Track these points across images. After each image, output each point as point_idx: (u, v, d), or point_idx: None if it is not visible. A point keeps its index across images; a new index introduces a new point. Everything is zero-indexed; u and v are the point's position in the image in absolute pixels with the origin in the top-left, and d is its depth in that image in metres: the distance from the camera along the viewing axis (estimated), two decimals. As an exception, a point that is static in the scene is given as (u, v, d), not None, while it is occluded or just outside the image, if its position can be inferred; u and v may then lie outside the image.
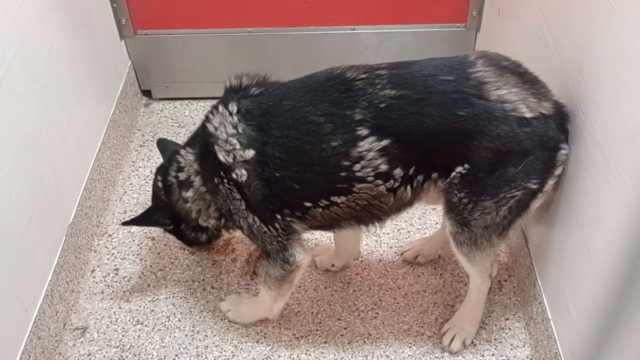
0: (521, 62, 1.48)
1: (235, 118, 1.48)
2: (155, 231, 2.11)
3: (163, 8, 2.42)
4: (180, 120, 2.59)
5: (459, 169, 1.43)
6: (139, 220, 1.83)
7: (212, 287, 1.96)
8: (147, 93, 2.69)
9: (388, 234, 2.09)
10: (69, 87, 1.99)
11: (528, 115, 1.38)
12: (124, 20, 2.43)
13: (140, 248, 2.08)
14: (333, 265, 1.97)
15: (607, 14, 1.31)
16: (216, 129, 1.49)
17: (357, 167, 1.43)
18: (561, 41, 1.59)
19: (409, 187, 1.47)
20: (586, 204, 1.43)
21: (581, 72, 1.45)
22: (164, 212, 1.75)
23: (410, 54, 2.51)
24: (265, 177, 1.47)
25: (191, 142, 1.68)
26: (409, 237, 2.09)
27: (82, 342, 1.82)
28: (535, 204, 1.51)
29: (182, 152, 1.67)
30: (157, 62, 2.57)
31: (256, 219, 1.54)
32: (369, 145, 1.41)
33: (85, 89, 2.12)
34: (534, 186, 1.45)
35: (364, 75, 1.43)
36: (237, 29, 2.47)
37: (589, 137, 1.39)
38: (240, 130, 1.47)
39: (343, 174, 1.45)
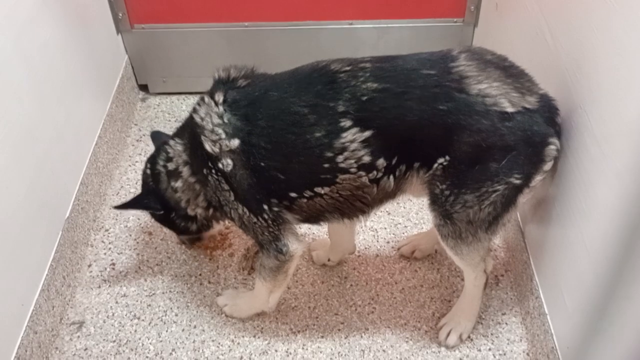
0: (507, 56, 1.48)
1: (221, 108, 1.49)
2: (152, 226, 2.11)
3: (160, 2, 2.42)
4: (177, 114, 2.58)
5: (441, 160, 1.43)
6: (131, 204, 1.84)
7: (209, 282, 1.96)
8: (144, 87, 2.68)
9: (385, 228, 2.10)
10: (66, 82, 1.99)
11: (509, 109, 1.37)
12: (120, 15, 2.42)
13: (137, 242, 2.08)
14: (329, 260, 1.98)
15: (605, 8, 1.31)
16: (202, 119, 1.50)
17: (340, 158, 1.44)
18: (559, 36, 1.59)
19: (391, 177, 1.48)
20: (583, 199, 1.43)
21: (579, 67, 1.45)
22: (154, 197, 1.76)
23: (407, 49, 2.47)
24: (250, 167, 1.48)
25: (180, 133, 1.69)
26: (405, 232, 2.09)
27: (78, 336, 1.82)
28: (522, 199, 1.49)
29: (171, 142, 1.68)
30: (154, 56, 2.56)
31: (245, 209, 1.55)
32: (352, 137, 1.42)
33: (82, 84, 2.11)
34: (517, 181, 1.43)
35: (347, 68, 1.44)
36: (234, 23, 2.46)
37: (587, 132, 1.39)
38: (225, 120, 1.48)
39: (326, 164, 1.45)
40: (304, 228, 2.06)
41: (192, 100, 2.62)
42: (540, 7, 1.73)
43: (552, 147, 1.44)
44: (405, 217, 2.13)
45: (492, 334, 1.80)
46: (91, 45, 2.22)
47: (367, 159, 1.44)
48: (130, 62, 2.57)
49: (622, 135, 1.25)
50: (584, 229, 1.43)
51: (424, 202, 2.15)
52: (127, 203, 1.84)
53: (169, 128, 2.50)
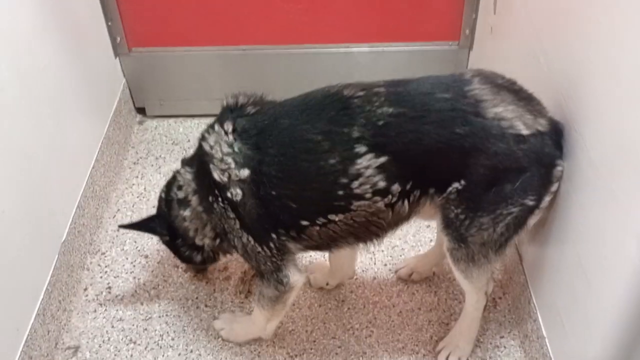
0: (515, 79, 1.49)
1: (231, 137, 1.49)
2: (149, 249, 2.10)
3: (158, 25, 2.43)
4: (175, 137, 2.58)
5: (456, 184, 1.44)
6: (137, 226, 1.83)
7: (206, 306, 1.95)
8: (141, 110, 2.69)
9: (382, 251, 2.09)
10: (64, 105, 1.99)
11: (524, 132, 1.39)
12: (118, 39, 2.43)
13: (134, 266, 2.07)
14: (327, 284, 1.96)
15: (598, 31, 1.32)
16: (212, 147, 1.50)
17: (355, 184, 1.43)
18: (553, 58, 1.60)
19: (406, 202, 1.47)
20: (580, 222, 1.43)
21: (573, 89, 1.46)
22: (162, 221, 1.75)
23: (403, 72, 2.49)
24: (260, 196, 1.47)
25: (189, 161, 1.68)
26: (403, 254, 2.08)
27: (73, 361, 1.80)
28: (532, 220, 1.50)
29: (181, 170, 1.68)
30: (151, 79, 2.57)
31: (250, 238, 1.53)
32: (367, 163, 1.41)
33: (79, 107, 2.12)
34: (531, 202, 1.45)
35: (361, 93, 1.44)
36: (232, 46, 2.48)
37: (582, 154, 1.40)
38: (235, 149, 1.47)
39: (341, 191, 1.44)
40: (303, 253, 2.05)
41: (190, 123, 2.64)
42: (535, 30, 1.75)
43: (559, 168, 1.46)
44: (402, 240, 2.13)
45: (490, 357, 1.79)
46: (89, 69, 2.23)
47: (382, 184, 1.43)
48: (128, 85, 2.58)
49: (617, 157, 1.25)
50: (581, 252, 1.43)
51: (421, 224, 2.16)
52: (134, 224, 1.84)
53: (166, 151, 2.51)
